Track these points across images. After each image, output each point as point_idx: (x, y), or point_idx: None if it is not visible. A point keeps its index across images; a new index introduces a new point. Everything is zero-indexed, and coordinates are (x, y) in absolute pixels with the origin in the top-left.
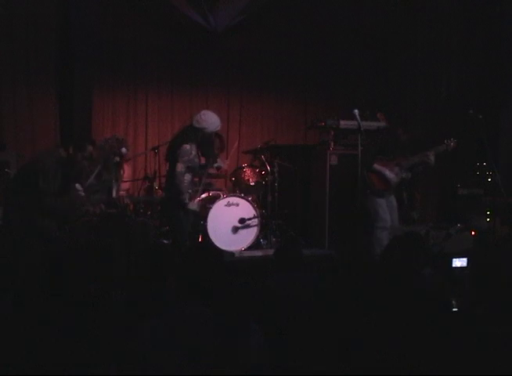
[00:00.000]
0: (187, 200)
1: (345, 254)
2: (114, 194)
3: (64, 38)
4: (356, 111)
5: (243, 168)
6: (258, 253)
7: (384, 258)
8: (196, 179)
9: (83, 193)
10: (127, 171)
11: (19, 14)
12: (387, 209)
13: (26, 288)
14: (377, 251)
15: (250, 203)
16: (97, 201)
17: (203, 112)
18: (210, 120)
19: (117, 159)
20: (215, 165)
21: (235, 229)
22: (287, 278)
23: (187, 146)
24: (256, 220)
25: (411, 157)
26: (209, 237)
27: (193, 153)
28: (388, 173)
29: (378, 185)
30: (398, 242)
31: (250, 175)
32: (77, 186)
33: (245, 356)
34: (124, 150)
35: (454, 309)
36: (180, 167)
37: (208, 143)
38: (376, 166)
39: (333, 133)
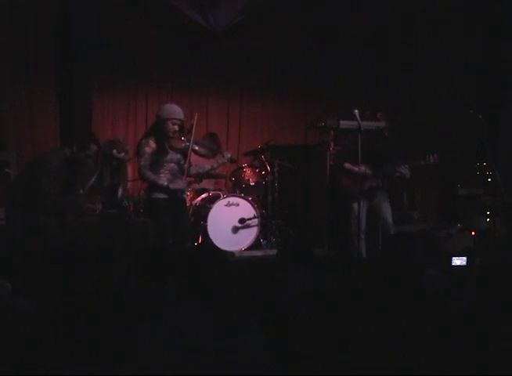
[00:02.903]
0: (166, 183)
1: (341, 255)
2: (119, 195)
3: (64, 38)
4: (356, 111)
5: (243, 168)
6: (258, 253)
7: (386, 257)
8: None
9: (83, 192)
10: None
11: (19, 14)
12: (360, 214)
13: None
14: (354, 255)
15: (250, 203)
16: (98, 201)
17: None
18: (163, 107)
19: (114, 162)
20: (228, 157)
21: (235, 229)
22: (287, 278)
23: (141, 141)
24: (256, 220)
25: (385, 166)
26: (209, 237)
27: (152, 145)
28: (358, 169)
29: (350, 185)
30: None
31: (250, 175)
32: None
33: (245, 356)
34: (114, 151)
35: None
36: (140, 161)
37: (161, 131)
38: (347, 164)
39: (333, 133)
